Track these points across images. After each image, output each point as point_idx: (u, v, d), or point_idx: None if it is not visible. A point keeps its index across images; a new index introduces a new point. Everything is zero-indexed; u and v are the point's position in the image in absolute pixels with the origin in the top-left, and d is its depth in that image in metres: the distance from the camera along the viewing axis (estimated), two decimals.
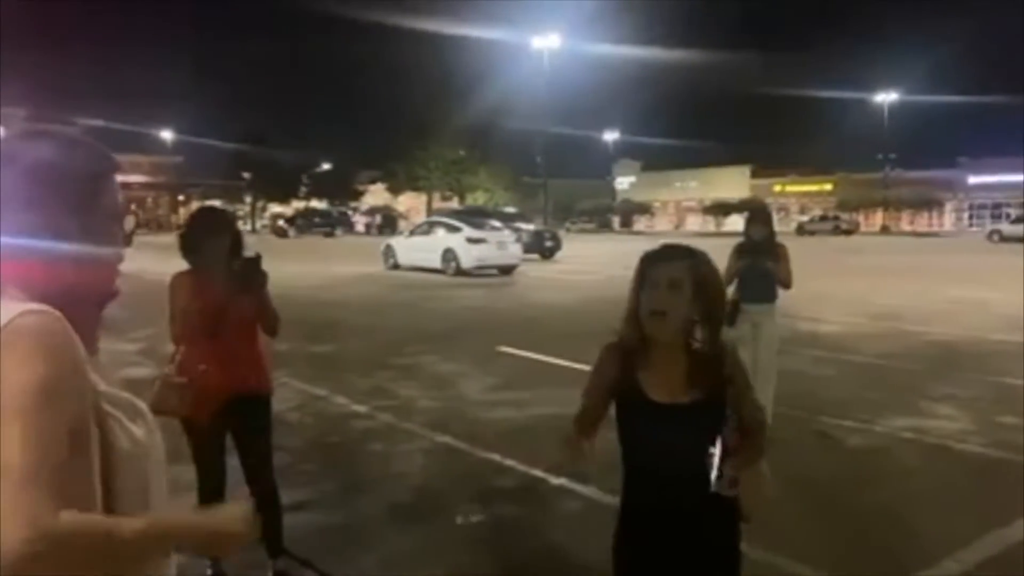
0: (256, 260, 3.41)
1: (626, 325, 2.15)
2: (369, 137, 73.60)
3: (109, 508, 1.11)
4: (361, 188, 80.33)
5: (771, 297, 5.73)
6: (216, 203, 51.15)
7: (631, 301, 2.14)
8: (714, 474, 1.99)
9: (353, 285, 19.12)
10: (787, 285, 5.75)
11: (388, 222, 62.57)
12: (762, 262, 5.62)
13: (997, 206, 55.85)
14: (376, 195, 79.52)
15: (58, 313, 1.08)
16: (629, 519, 2.20)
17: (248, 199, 77.97)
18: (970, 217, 61.49)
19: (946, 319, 12.29)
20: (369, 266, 23.41)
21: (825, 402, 7.04)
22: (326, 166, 78.46)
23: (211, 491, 3.59)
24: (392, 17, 57.25)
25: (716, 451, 1.99)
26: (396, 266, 23.09)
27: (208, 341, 3.37)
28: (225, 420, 3.48)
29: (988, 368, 8.51)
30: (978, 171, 59.06)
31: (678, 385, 2.08)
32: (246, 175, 74.41)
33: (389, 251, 23.84)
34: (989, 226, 49.51)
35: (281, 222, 59.01)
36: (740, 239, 5.89)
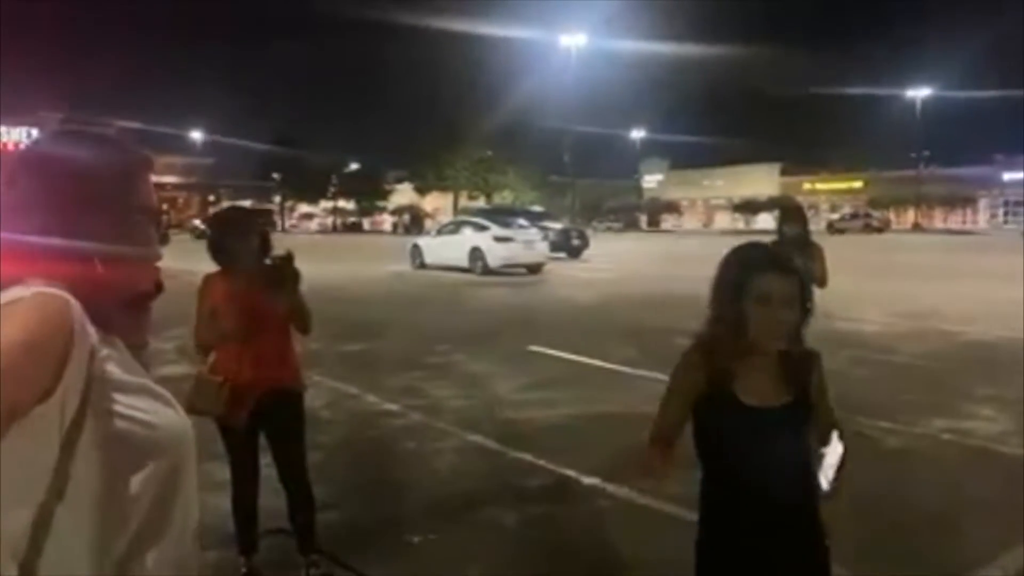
0: (289, 259, 3.41)
1: (717, 328, 2.08)
2: (397, 137, 73.88)
3: (118, 494, 1.10)
4: (389, 188, 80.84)
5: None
6: (247, 203, 51.35)
7: (726, 308, 2.05)
8: (828, 476, 1.95)
9: (381, 284, 19.19)
10: (822, 284, 5.60)
11: (415, 221, 62.87)
12: (799, 261, 5.46)
13: None
14: (403, 194, 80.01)
15: (70, 297, 1.07)
16: (714, 527, 2.15)
17: (277, 199, 78.75)
18: (1005, 214, 60.37)
19: (985, 319, 12.04)
20: (397, 265, 23.50)
21: (862, 403, 6.89)
22: (354, 166, 79.04)
23: (245, 489, 3.60)
24: (419, 17, 57.45)
25: (829, 453, 1.95)
26: (423, 265, 23.14)
27: (241, 340, 3.37)
28: (259, 419, 3.48)
29: None
30: (1013, 168, 57.98)
31: (770, 388, 2.05)
32: (276, 176, 75.17)
33: (416, 250, 23.90)
34: None
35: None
36: (773, 237, 5.74)
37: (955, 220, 62.05)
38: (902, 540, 4.10)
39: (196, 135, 76.58)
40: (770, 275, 2.04)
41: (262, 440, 3.61)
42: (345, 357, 9.13)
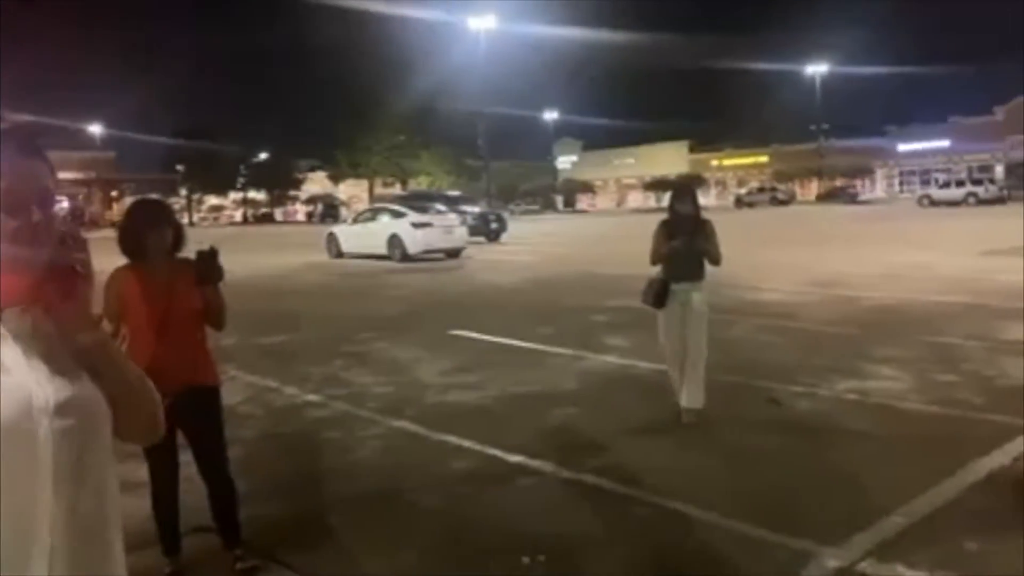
0: (213, 254, 3.32)
1: None
2: (307, 125, 72.32)
3: None
4: (301, 176, 79.22)
5: (700, 275, 5.58)
6: (153, 197, 49.77)
7: None
8: None
9: (298, 275, 18.87)
10: (716, 262, 5.60)
11: (330, 210, 61.82)
12: (694, 241, 5.48)
13: (926, 172, 57.62)
14: (317, 183, 78.51)
15: None
16: None
17: (184, 192, 76.17)
18: (900, 183, 63.21)
19: (885, 283, 12.65)
20: (313, 255, 23.13)
21: (772, 368, 7.19)
22: (264, 155, 77.10)
23: (165, 488, 3.53)
24: (325, 1, 56.03)
25: None
26: (340, 254, 22.84)
27: (155, 336, 3.29)
28: (176, 416, 3.40)
29: (927, 329, 8.79)
30: (906, 139, 60.78)
31: None
32: (180, 168, 72.65)
33: (332, 239, 23.55)
34: (919, 191, 51.02)
35: None
36: (666, 215, 5.70)
37: (855, 190, 64.53)
38: (814, 495, 4.30)
39: (95, 128, 73.26)
40: None
41: (180, 438, 3.53)
42: (263, 350, 8.97)
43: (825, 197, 59.98)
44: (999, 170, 52.88)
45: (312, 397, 6.81)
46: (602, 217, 55.02)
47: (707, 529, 3.94)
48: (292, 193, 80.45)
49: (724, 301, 10.74)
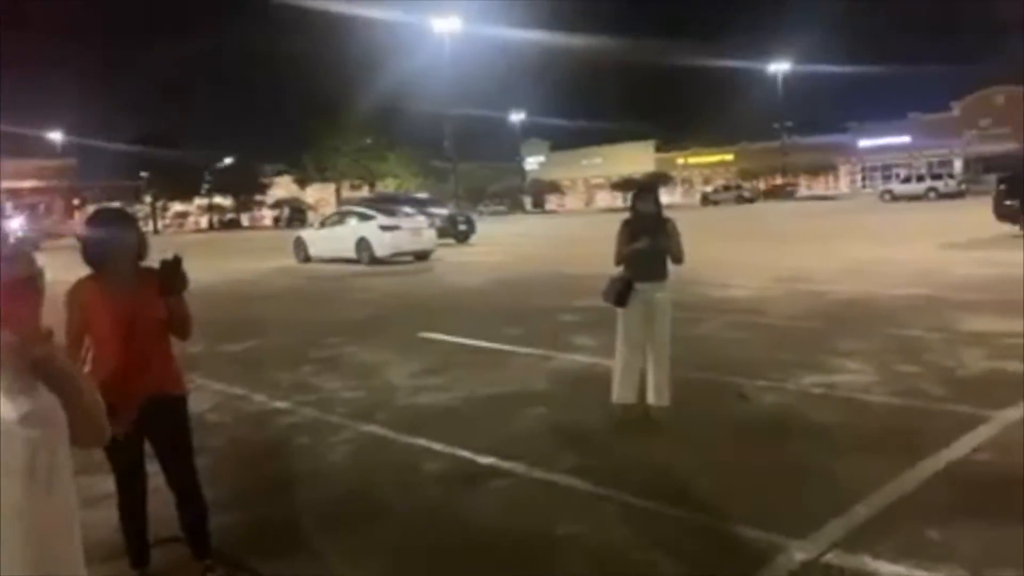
0: (177, 263, 3.28)
1: None
2: (273, 129, 71.94)
3: None
4: (267, 181, 78.46)
5: (664, 274, 5.60)
6: (115, 205, 48.97)
7: None
8: None
9: (266, 280, 18.71)
10: (679, 260, 5.63)
11: (297, 214, 61.33)
12: (657, 240, 5.49)
13: (887, 167, 58.52)
14: (283, 187, 77.78)
15: None
16: None
17: (148, 199, 75.06)
18: (863, 179, 64.18)
19: (849, 277, 12.84)
20: (281, 260, 22.95)
21: (739, 364, 7.27)
22: (229, 161, 76.23)
23: (132, 499, 3.49)
24: (290, 3, 55.50)
25: None
26: (308, 258, 22.67)
27: (120, 346, 3.25)
28: (142, 427, 3.37)
29: (890, 321, 8.95)
30: (867, 135, 61.72)
31: None
32: (144, 174, 71.56)
33: (300, 244, 23.37)
34: (881, 186, 51.84)
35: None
36: (628, 215, 5.71)
37: (818, 186, 65.49)
38: (780, 489, 4.36)
39: (55, 135, 71.92)
40: None
41: (148, 447, 3.50)
42: (230, 357, 8.88)
43: (768, 194, 61.06)
44: (958, 165, 53.92)
45: (281, 404, 6.76)
46: (571, 217, 55.19)
47: (678, 525, 3.98)
48: (258, 198, 79.64)
49: (692, 298, 10.85)
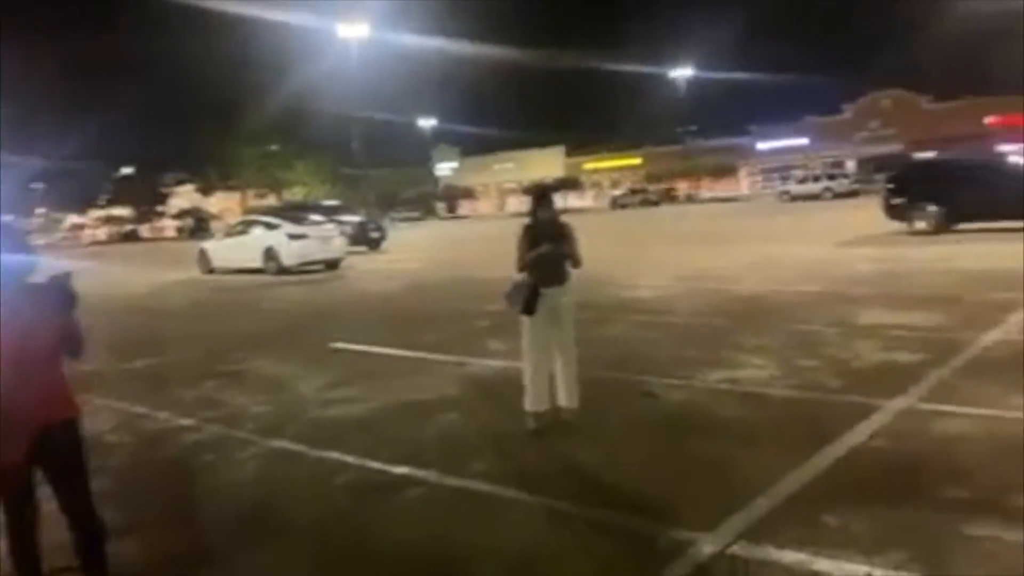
0: (66, 279, 3.13)
1: None
2: (174, 137, 69.10)
3: None
4: (167, 191, 75.93)
5: (566, 278, 5.66)
6: (9, 218, 46.62)
7: None
8: None
9: (169, 293, 18.09)
10: (578, 264, 5.69)
11: (201, 225, 59.55)
12: (559, 245, 5.53)
13: (785, 168, 60.67)
14: (185, 197, 75.34)
15: None
16: None
17: (42, 211, 71.58)
18: (763, 180, 66.46)
19: (751, 275, 13.27)
20: (185, 272, 22.24)
21: (648, 362, 7.43)
22: (127, 170, 73.45)
23: (21, 525, 3.31)
24: (189, 4, 53.61)
25: None
26: (212, 270, 22.03)
27: (8, 370, 3.08)
28: (32, 452, 3.20)
29: (790, 317, 9.30)
30: (766, 138, 63.92)
31: None
32: (38, 186, 68.25)
33: (203, 255, 22.69)
34: (779, 187, 53.81)
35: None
36: (527, 221, 5.69)
37: (721, 188, 67.46)
38: (688, 484, 4.47)
39: None
40: None
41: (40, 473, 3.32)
42: (132, 374, 8.55)
43: (620, 204, 59.96)
44: (851, 165, 56.35)
45: (185, 421, 6.54)
46: (484, 222, 55.29)
47: (589, 525, 4.03)
48: (160, 208, 76.99)
49: (602, 299, 11.03)
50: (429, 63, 65.03)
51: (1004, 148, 31.70)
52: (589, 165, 74.46)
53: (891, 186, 19.48)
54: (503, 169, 77.77)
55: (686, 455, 5.00)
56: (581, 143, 73.79)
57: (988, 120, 49.96)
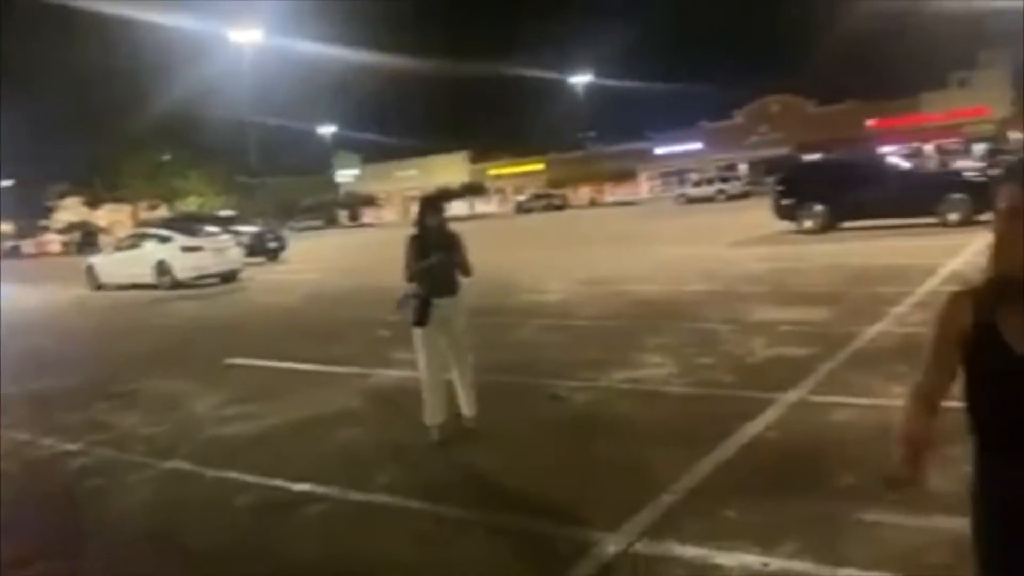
0: None
1: (1000, 265, 1.75)
2: (56, 147, 65.61)
3: None
4: (51, 204, 72.11)
5: (456, 288, 5.60)
6: None
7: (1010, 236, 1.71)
8: None
9: (52, 312, 17.19)
10: (469, 273, 5.65)
11: (88, 239, 56.79)
12: (450, 255, 5.47)
13: (682, 172, 62.46)
14: (72, 211, 71.68)
15: None
16: (992, 504, 1.86)
17: None
18: (662, 184, 68.26)
19: (650, 277, 13.57)
20: (72, 289, 21.14)
21: (554, 365, 7.49)
22: (6, 183, 69.38)
23: None
24: (71, 6, 50.92)
25: None
26: (100, 286, 21.02)
27: None
28: None
29: (688, 316, 9.54)
30: (664, 143, 65.73)
31: None
32: None
33: (91, 271, 21.63)
34: (676, 190, 55.38)
35: None
36: (413, 229, 5.62)
37: (621, 192, 68.92)
38: (593, 483, 4.51)
39: None
40: None
41: None
42: (12, 401, 8.04)
43: (524, 209, 59.95)
44: (743, 168, 58.48)
45: (72, 446, 6.20)
46: (387, 230, 54.68)
47: (493, 531, 4.02)
48: (43, 223, 73.02)
49: (507, 304, 11.08)
50: (327, 70, 64.08)
51: (884, 149, 33.61)
52: (493, 171, 74.81)
53: (780, 187, 20.26)
54: (406, 176, 77.27)
55: (590, 456, 5.05)
56: (485, 149, 74.18)
57: (870, 123, 52.86)
